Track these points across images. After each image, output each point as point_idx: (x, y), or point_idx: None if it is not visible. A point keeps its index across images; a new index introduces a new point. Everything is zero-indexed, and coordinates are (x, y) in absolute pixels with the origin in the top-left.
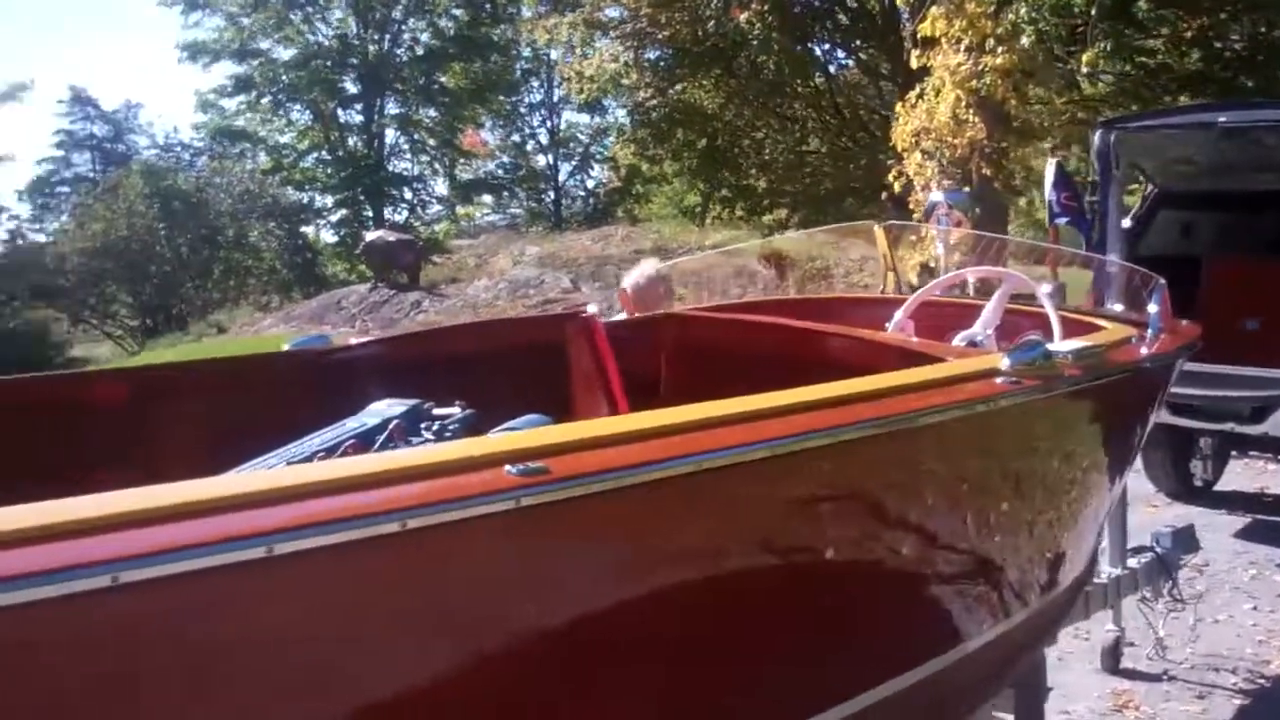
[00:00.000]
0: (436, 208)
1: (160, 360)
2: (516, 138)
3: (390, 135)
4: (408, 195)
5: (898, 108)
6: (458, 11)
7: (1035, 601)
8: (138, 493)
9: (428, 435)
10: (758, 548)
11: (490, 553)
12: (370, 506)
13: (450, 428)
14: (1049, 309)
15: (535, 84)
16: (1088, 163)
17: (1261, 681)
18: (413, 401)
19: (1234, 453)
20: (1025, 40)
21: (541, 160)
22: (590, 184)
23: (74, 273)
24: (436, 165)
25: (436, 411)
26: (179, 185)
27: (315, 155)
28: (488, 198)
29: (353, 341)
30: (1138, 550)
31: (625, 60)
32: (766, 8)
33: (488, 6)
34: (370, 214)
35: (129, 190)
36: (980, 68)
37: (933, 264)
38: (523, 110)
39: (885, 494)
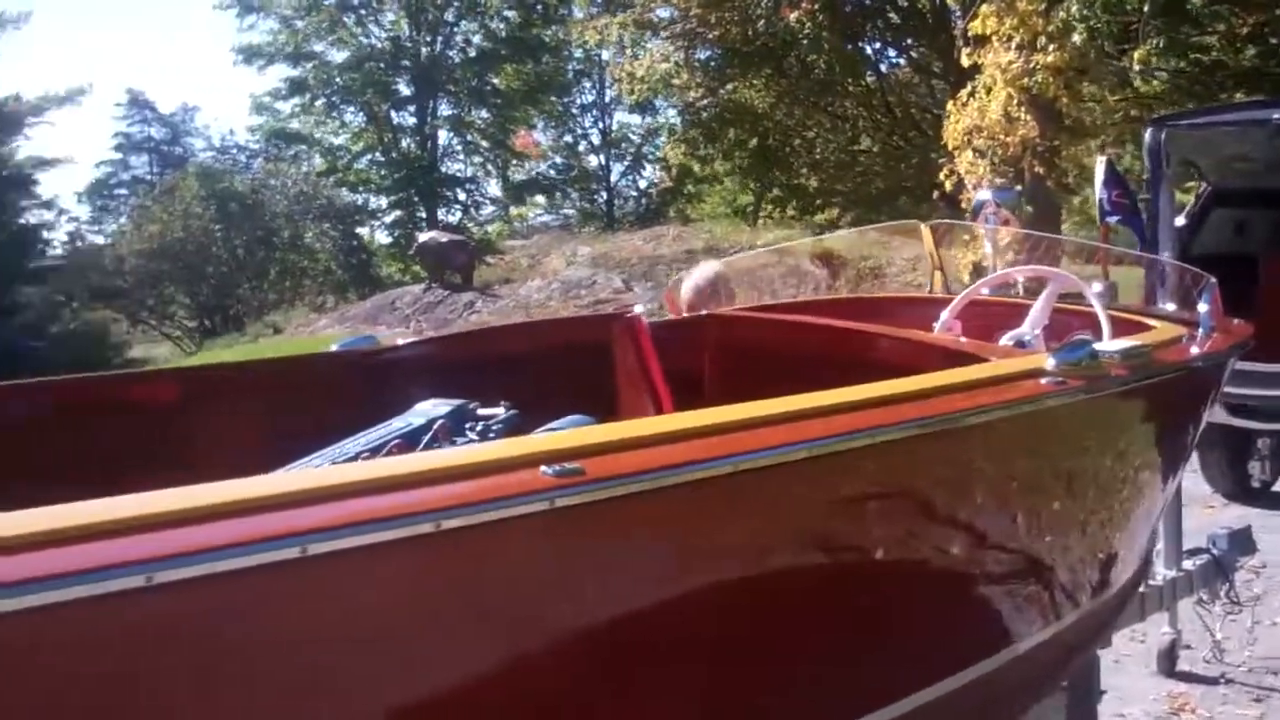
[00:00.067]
0: (490, 208)
1: (217, 361)
2: (569, 138)
3: (443, 136)
4: (461, 196)
5: (949, 106)
6: (510, 13)
7: (1086, 602)
8: (173, 493)
9: (472, 435)
10: (798, 549)
11: (527, 554)
12: (404, 507)
13: (494, 428)
14: (1098, 308)
15: (587, 85)
16: (1141, 161)
17: None
18: (458, 402)
19: None
20: (1077, 38)
21: (594, 161)
22: (642, 184)
23: (132, 274)
24: (489, 166)
25: (481, 412)
26: (235, 187)
27: (369, 157)
28: (540, 198)
29: (400, 342)
30: (1193, 552)
31: (676, 60)
32: (817, 7)
33: (539, 8)
34: (424, 215)
35: (185, 192)
36: (1031, 65)
37: (985, 263)
38: (575, 111)
39: (929, 495)
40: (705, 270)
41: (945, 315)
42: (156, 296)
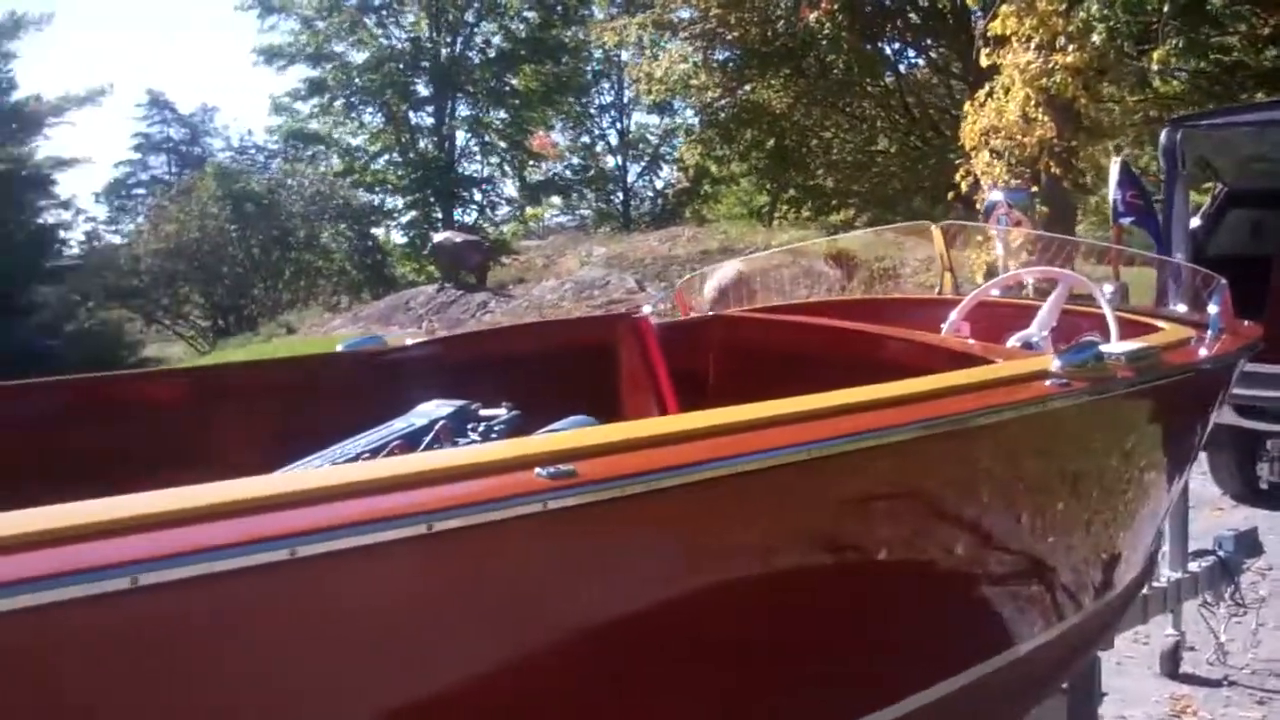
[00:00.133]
0: (506, 209)
1: (229, 360)
2: (586, 139)
3: (461, 137)
4: (477, 197)
5: (966, 106)
6: (529, 14)
7: (1089, 604)
8: (159, 494)
9: (474, 436)
10: (800, 550)
11: (521, 556)
12: (396, 509)
13: (496, 429)
14: (1106, 310)
15: (606, 85)
16: (1159, 161)
17: None
18: (460, 402)
19: None
20: (1096, 38)
21: (611, 161)
22: (659, 185)
23: (148, 274)
24: (506, 167)
25: (483, 412)
26: (252, 187)
27: (386, 157)
28: (556, 199)
29: (407, 342)
30: (1199, 554)
31: (694, 61)
32: (837, 7)
33: (559, 9)
34: (440, 215)
35: (202, 192)
36: (1050, 66)
37: (997, 264)
38: (593, 112)
39: (932, 496)
40: (728, 270)
41: (953, 316)
42: (172, 296)
